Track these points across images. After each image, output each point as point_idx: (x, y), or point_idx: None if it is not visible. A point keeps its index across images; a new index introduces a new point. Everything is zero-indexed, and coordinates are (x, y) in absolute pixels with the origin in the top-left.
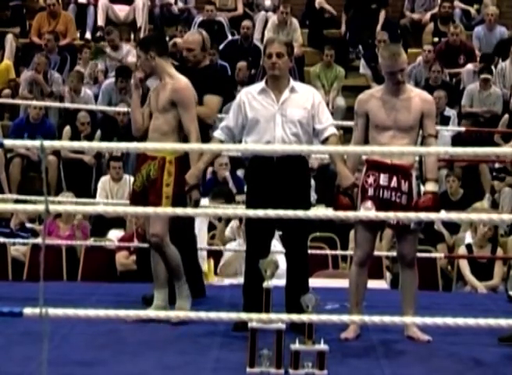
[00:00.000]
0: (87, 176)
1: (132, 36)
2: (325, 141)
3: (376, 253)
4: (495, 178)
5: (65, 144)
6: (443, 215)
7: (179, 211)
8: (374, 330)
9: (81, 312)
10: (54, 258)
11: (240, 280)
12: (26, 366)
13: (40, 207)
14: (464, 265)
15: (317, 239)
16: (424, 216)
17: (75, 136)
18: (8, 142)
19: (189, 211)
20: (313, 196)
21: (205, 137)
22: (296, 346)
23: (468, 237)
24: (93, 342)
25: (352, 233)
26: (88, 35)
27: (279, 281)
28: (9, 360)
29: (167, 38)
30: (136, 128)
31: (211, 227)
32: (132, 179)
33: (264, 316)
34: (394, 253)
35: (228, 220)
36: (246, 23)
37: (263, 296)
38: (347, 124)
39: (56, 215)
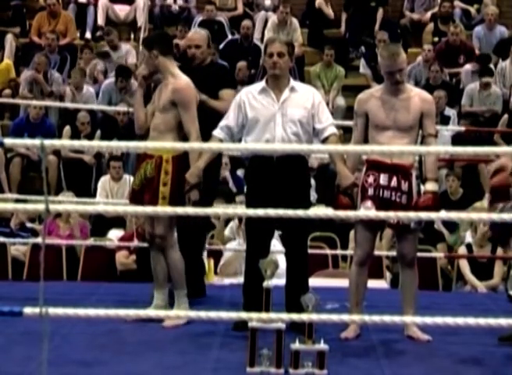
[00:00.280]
0: (87, 176)
1: (132, 36)
2: (325, 141)
3: (376, 253)
4: None
5: (65, 143)
6: (443, 214)
7: (180, 210)
8: (374, 330)
9: (81, 312)
10: (54, 258)
11: (240, 279)
12: (26, 365)
13: (41, 207)
14: (464, 264)
15: (317, 239)
16: (424, 215)
17: (75, 136)
18: (8, 141)
19: (189, 210)
20: (313, 196)
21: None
22: (296, 346)
23: (468, 237)
24: (93, 342)
25: (352, 232)
26: (88, 35)
27: (278, 281)
28: (9, 360)
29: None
30: (138, 126)
31: (212, 227)
32: (132, 178)
33: (264, 315)
34: (394, 253)
35: (228, 220)
36: (246, 22)
37: (263, 296)
38: (347, 124)
39: (56, 214)
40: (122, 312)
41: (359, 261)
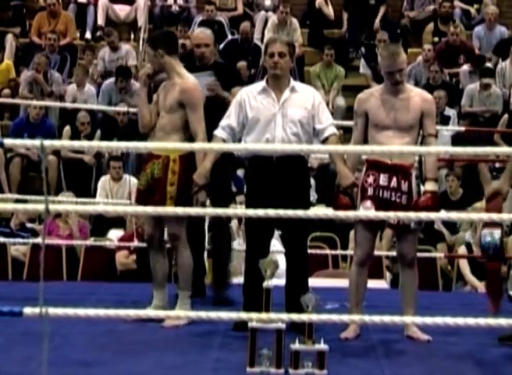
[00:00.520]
0: (86, 176)
1: (132, 36)
2: (325, 141)
3: (376, 253)
4: (495, 178)
5: (65, 143)
6: (443, 214)
7: (180, 210)
8: (374, 330)
9: (81, 312)
10: (54, 258)
11: (240, 279)
12: (26, 365)
13: (40, 207)
14: (464, 265)
15: (317, 239)
16: (424, 215)
17: (75, 136)
18: (8, 142)
19: (189, 210)
20: (313, 196)
21: None
22: (296, 346)
23: (468, 237)
24: (93, 342)
25: (352, 232)
26: (88, 35)
27: (278, 281)
28: (9, 360)
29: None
30: (142, 124)
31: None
32: (132, 178)
33: (264, 315)
34: (394, 253)
35: (228, 220)
36: (244, 24)
37: (263, 296)
38: (347, 124)
39: (56, 215)
40: (122, 312)
41: (359, 261)
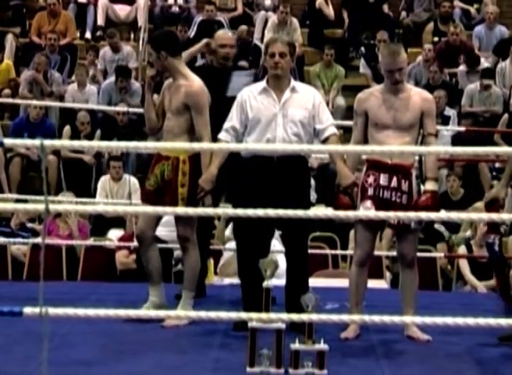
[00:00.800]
0: (86, 176)
1: (132, 35)
2: (325, 141)
3: (376, 253)
4: (495, 178)
5: (65, 143)
6: (443, 214)
7: (180, 210)
8: (374, 330)
9: (81, 312)
10: (54, 258)
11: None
12: (26, 365)
13: (40, 206)
14: (464, 264)
15: (317, 239)
16: (424, 215)
17: (75, 135)
18: (8, 141)
19: (189, 211)
20: (313, 195)
21: None
22: (296, 346)
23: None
24: (93, 342)
25: (352, 232)
26: (88, 35)
27: (278, 281)
28: (9, 360)
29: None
30: (150, 127)
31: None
32: (132, 178)
33: (264, 315)
34: (394, 253)
35: (228, 220)
36: (242, 28)
37: (263, 296)
38: (347, 124)
39: (56, 214)
40: (122, 312)
41: (359, 261)
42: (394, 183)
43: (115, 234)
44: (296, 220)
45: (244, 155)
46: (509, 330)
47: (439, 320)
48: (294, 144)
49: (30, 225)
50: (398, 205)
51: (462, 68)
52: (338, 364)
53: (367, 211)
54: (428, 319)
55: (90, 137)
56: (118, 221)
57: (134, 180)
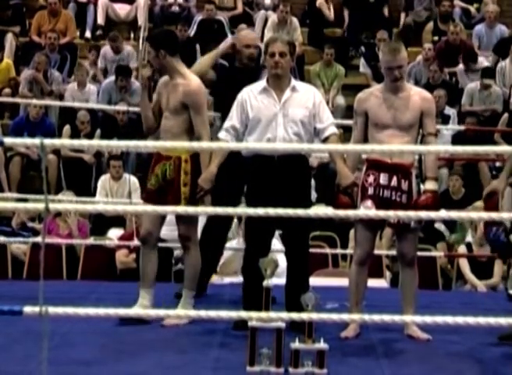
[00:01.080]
0: (86, 175)
1: (132, 35)
2: (325, 140)
3: (376, 252)
4: (495, 177)
5: (65, 142)
6: (443, 213)
7: (180, 209)
8: (374, 329)
9: (81, 311)
10: (54, 257)
11: (240, 278)
12: (26, 364)
13: (40, 206)
14: (464, 264)
15: (317, 238)
16: (424, 214)
17: (75, 135)
18: (8, 140)
19: (189, 209)
20: (313, 195)
21: None
22: (296, 345)
23: (468, 236)
24: (93, 341)
25: (352, 232)
26: (88, 34)
27: (279, 280)
28: (9, 359)
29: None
30: (147, 126)
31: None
32: (132, 178)
33: (264, 314)
34: (394, 252)
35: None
36: (241, 27)
37: (263, 295)
38: (347, 123)
39: (56, 214)
40: (122, 311)
41: (359, 260)
42: (394, 182)
43: (115, 233)
44: (297, 219)
45: (245, 154)
46: (509, 329)
47: (439, 319)
48: (295, 144)
49: (30, 224)
50: (398, 204)
51: (461, 66)
52: (338, 363)
53: (367, 210)
54: (428, 319)
55: (90, 136)
56: (118, 220)
57: (134, 180)
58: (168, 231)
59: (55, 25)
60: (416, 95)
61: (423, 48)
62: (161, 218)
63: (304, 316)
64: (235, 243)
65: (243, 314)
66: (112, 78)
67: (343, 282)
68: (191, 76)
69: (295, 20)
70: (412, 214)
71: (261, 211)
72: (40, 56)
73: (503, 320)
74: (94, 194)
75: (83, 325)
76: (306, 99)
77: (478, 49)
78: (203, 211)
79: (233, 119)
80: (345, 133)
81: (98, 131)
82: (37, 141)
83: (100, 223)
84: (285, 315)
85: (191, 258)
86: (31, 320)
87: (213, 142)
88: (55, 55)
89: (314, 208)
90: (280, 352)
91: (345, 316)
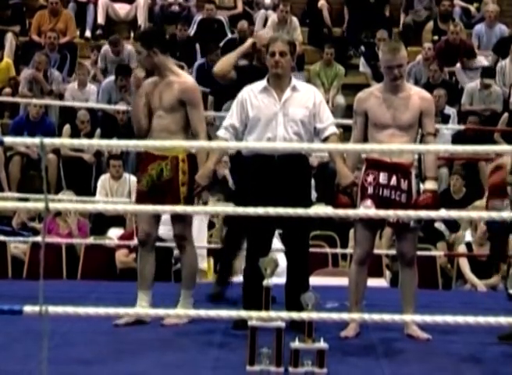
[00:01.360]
0: (86, 175)
1: (132, 34)
2: (325, 140)
3: (376, 251)
4: None
5: (65, 141)
6: (443, 213)
7: (179, 209)
8: (373, 329)
9: (81, 311)
10: (54, 257)
11: (240, 278)
12: (26, 364)
13: (40, 205)
14: (464, 263)
15: (317, 237)
16: (423, 214)
17: (75, 134)
18: (8, 140)
19: (188, 209)
20: (313, 194)
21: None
22: (296, 344)
23: (468, 236)
24: (93, 340)
25: (352, 231)
26: (88, 33)
27: (278, 279)
28: (9, 358)
29: (167, 36)
30: (140, 128)
31: (211, 226)
32: (132, 177)
33: (264, 314)
34: (394, 251)
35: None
36: (242, 23)
37: (263, 294)
38: (347, 122)
39: (56, 213)
40: (121, 311)
41: (359, 260)
42: (393, 181)
43: (115, 233)
44: (297, 219)
45: (245, 153)
46: (509, 328)
47: (439, 319)
48: (295, 143)
49: (30, 224)
50: (397, 203)
51: (459, 65)
52: (338, 363)
53: (367, 210)
54: (428, 318)
55: (90, 135)
56: (118, 220)
57: (134, 179)
58: (167, 230)
59: (55, 24)
60: (415, 95)
61: (423, 47)
62: (158, 218)
63: (304, 315)
64: None
65: (243, 313)
66: (111, 78)
67: (343, 281)
68: (183, 73)
69: (295, 20)
70: (412, 213)
71: (260, 210)
72: (41, 56)
73: (502, 320)
74: (94, 194)
75: (83, 324)
76: (306, 99)
77: (477, 49)
78: (203, 210)
79: (233, 117)
80: (345, 133)
81: (98, 131)
82: (36, 140)
83: (100, 222)
84: (285, 314)
85: (187, 257)
86: (31, 320)
87: (213, 141)
88: (55, 55)
89: (314, 208)
90: (280, 352)
91: (345, 316)
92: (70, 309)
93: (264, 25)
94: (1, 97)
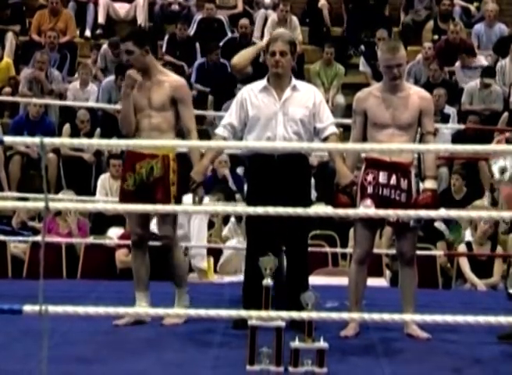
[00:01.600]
0: (86, 174)
1: None
2: (325, 140)
3: (376, 251)
4: None
5: (65, 141)
6: (443, 212)
7: (179, 208)
8: (373, 328)
9: (81, 310)
10: (53, 256)
11: (240, 277)
12: (26, 363)
13: (40, 204)
14: (464, 263)
15: (316, 237)
16: (423, 213)
17: (75, 134)
18: (8, 139)
19: (188, 208)
20: (313, 194)
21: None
22: (295, 344)
23: (468, 235)
24: (93, 340)
25: (351, 231)
26: (88, 33)
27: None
28: (9, 357)
29: (166, 35)
30: (129, 128)
31: (211, 225)
32: None
33: (263, 313)
34: (394, 251)
35: (226, 219)
36: (243, 21)
37: (263, 294)
38: (347, 122)
39: (56, 213)
40: (121, 310)
41: (358, 259)
42: (393, 181)
43: (114, 233)
44: (297, 218)
45: (245, 153)
46: (509, 328)
47: (439, 318)
48: (294, 143)
49: (30, 223)
50: (397, 203)
51: (458, 64)
52: (338, 362)
53: (367, 209)
54: (428, 317)
55: (90, 135)
56: (118, 219)
57: None
58: None
59: (55, 24)
60: (415, 95)
61: (423, 47)
62: (148, 218)
63: (304, 314)
64: (234, 242)
65: (242, 313)
66: (111, 77)
67: (343, 281)
68: (170, 72)
69: (295, 19)
70: (411, 213)
71: (260, 210)
72: (43, 55)
73: (502, 319)
74: (93, 193)
75: (83, 324)
76: (306, 98)
77: (477, 48)
78: (202, 209)
79: (232, 116)
80: (345, 132)
81: (98, 130)
82: (36, 139)
83: (100, 222)
84: (285, 314)
85: (176, 258)
86: (31, 319)
87: (212, 139)
88: (55, 54)
89: (314, 207)
90: (280, 351)
91: (345, 315)
92: (70, 309)
93: (264, 24)
94: (1, 96)
